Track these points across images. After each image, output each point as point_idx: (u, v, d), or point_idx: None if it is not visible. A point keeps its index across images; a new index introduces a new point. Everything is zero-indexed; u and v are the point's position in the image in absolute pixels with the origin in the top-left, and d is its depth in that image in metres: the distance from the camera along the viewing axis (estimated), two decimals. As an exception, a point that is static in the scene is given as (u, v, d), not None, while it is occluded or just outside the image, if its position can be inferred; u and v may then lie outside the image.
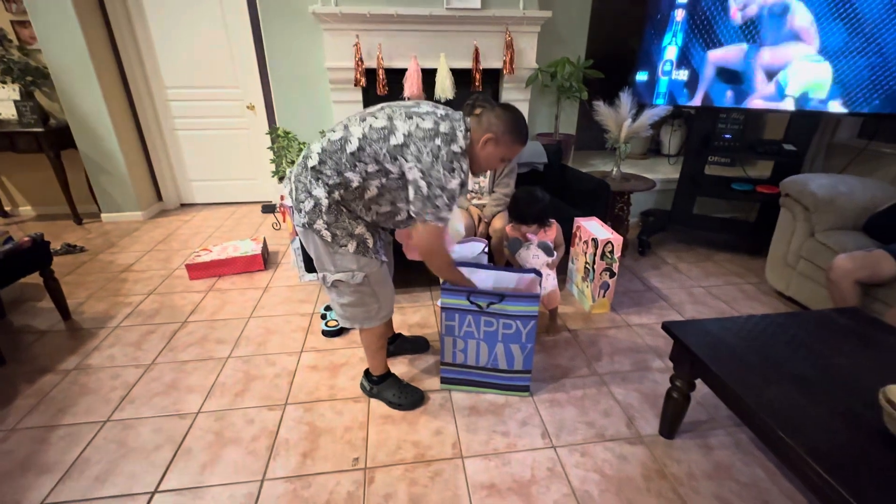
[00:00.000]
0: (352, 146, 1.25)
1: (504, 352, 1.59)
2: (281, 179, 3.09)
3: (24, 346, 1.96)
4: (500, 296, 1.49)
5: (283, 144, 2.94)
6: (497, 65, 3.16)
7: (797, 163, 2.70)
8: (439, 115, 1.28)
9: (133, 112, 3.46)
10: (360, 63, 2.98)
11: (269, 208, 3.69)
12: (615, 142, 2.73)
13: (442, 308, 1.55)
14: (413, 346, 1.90)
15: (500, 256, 2.23)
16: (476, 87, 3.13)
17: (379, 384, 1.61)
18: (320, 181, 1.29)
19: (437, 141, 1.23)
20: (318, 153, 1.29)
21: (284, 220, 3.24)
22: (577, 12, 3.31)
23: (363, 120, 1.28)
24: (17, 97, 3.09)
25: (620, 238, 2.06)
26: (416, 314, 2.19)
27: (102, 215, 3.46)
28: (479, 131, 1.32)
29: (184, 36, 3.32)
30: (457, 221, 1.92)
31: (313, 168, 1.29)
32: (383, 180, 1.28)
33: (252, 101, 3.56)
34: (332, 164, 1.27)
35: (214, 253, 2.65)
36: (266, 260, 2.74)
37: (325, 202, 1.29)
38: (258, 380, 1.75)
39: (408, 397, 1.59)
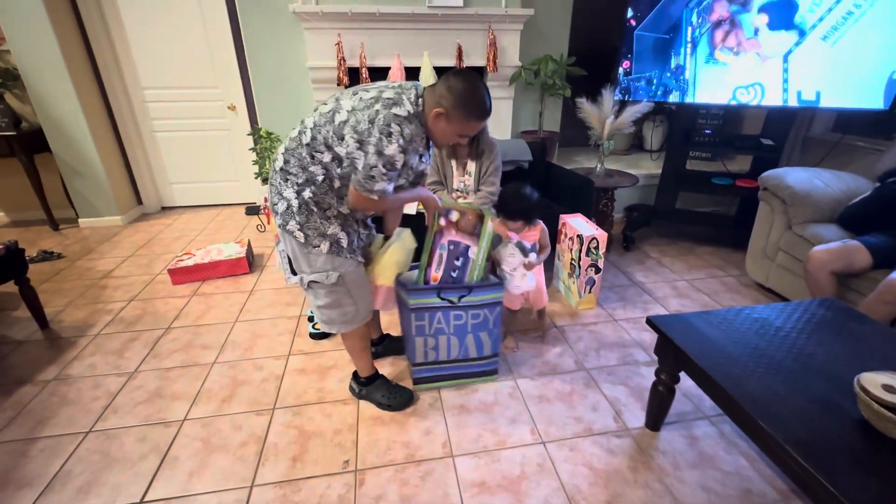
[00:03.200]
0: (307, 137, 1.25)
1: (474, 341, 1.64)
2: (265, 181, 3.05)
3: (1, 356, 1.90)
4: (468, 288, 1.53)
5: (265, 146, 2.90)
6: (480, 63, 3.16)
7: (775, 157, 2.76)
8: (387, 86, 1.24)
9: (109, 113, 3.37)
10: (342, 62, 2.96)
11: (253, 210, 3.64)
12: (598, 138, 2.76)
13: (412, 310, 1.55)
14: (402, 345, 1.89)
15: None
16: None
17: (367, 386, 1.61)
18: (289, 182, 1.28)
19: (377, 106, 1.17)
20: (282, 154, 1.30)
21: (269, 222, 3.20)
22: (559, 10, 3.34)
23: (315, 110, 1.28)
24: (-13, 100, 2.99)
25: (605, 234, 2.08)
26: (404, 314, 2.19)
27: (80, 220, 3.37)
28: (432, 103, 1.22)
29: (160, 35, 3.25)
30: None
31: (281, 170, 1.29)
32: (338, 170, 1.25)
33: (233, 102, 3.50)
34: (296, 162, 1.27)
35: (198, 257, 2.60)
36: (251, 263, 2.71)
37: (294, 203, 1.29)
38: (245, 385, 1.73)
39: (397, 398, 1.59)
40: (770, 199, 2.31)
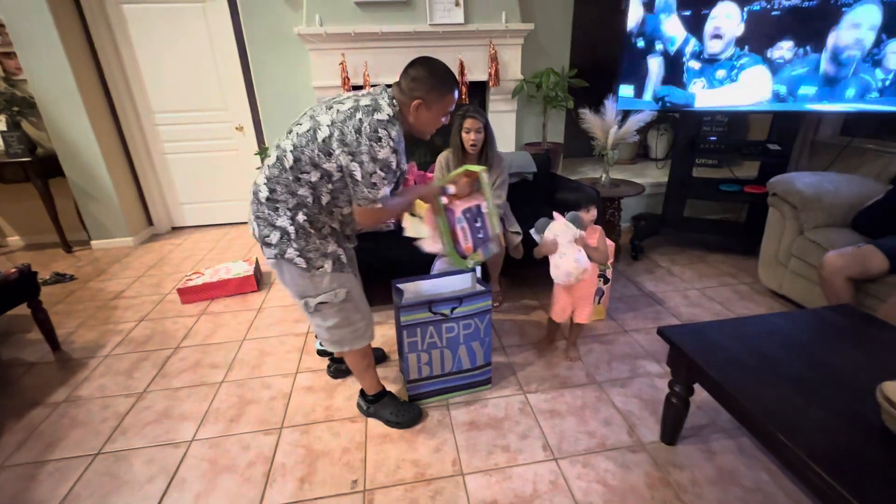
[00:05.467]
0: (289, 161, 1.25)
1: (467, 352, 1.64)
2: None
3: (13, 379, 1.91)
4: (458, 299, 1.54)
5: (272, 164, 2.94)
6: (482, 77, 3.19)
7: (782, 162, 2.74)
8: (360, 95, 1.28)
9: (121, 138, 3.45)
10: (346, 81, 3.01)
11: (261, 228, 3.67)
12: (602, 148, 2.75)
13: (403, 327, 1.54)
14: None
15: (495, 268, 2.23)
16: (463, 100, 3.16)
17: (375, 403, 1.59)
18: (279, 210, 1.28)
19: (358, 115, 1.20)
20: (265, 184, 1.29)
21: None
22: (559, 24, 3.38)
23: (290, 132, 1.29)
24: (4, 128, 3.08)
25: (612, 244, 2.06)
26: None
27: (92, 242, 3.43)
28: (405, 99, 1.27)
29: (170, 61, 3.34)
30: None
31: (268, 199, 1.29)
32: (329, 186, 1.27)
33: (240, 123, 3.57)
34: (283, 189, 1.27)
35: (206, 276, 2.62)
36: (259, 281, 2.72)
37: (291, 229, 1.29)
38: (253, 404, 1.72)
39: (405, 415, 1.57)
40: (780, 204, 2.28)
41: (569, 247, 1.67)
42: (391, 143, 1.20)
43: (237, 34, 3.28)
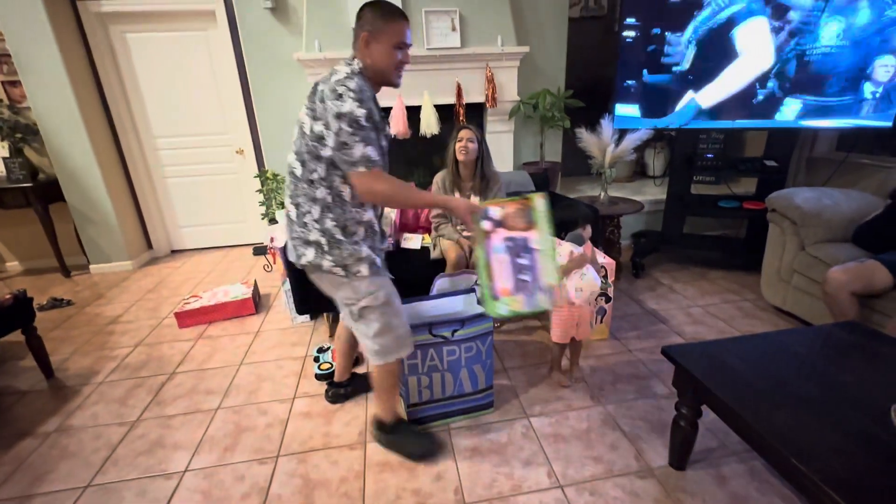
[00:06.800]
0: (298, 169, 1.28)
1: (468, 375, 1.60)
2: (271, 221, 3.09)
3: (4, 408, 1.87)
4: (460, 321, 1.51)
5: (272, 187, 2.96)
6: (479, 99, 3.23)
7: (780, 178, 2.74)
8: None
9: (122, 162, 3.48)
10: (345, 104, 3.04)
11: (260, 250, 3.66)
12: (600, 167, 2.77)
13: None
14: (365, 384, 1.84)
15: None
16: (461, 122, 3.20)
17: (393, 433, 1.52)
18: (308, 225, 1.29)
19: (320, 86, 1.22)
20: (290, 203, 1.33)
21: (275, 262, 3.21)
22: (554, 46, 3.44)
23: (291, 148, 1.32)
24: (6, 154, 3.11)
25: (613, 262, 2.05)
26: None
27: (91, 266, 3.41)
28: (358, 43, 1.26)
29: (172, 86, 3.39)
30: None
31: (297, 216, 1.31)
32: (338, 176, 1.26)
33: (241, 146, 3.60)
34: (305, 199, 1.28)
35: (204, 299, 2.59)
36: (257, 303, 2.70)
37: (323, 240, 1.29)
38: (249, 431, 1.67)
39: (425, 445, 1.51)
40: (779, 220, 2.27)
41: (588, 266, 1.67)
42: (352, 94, 1.16)
43: (238, 59, 3.34)
